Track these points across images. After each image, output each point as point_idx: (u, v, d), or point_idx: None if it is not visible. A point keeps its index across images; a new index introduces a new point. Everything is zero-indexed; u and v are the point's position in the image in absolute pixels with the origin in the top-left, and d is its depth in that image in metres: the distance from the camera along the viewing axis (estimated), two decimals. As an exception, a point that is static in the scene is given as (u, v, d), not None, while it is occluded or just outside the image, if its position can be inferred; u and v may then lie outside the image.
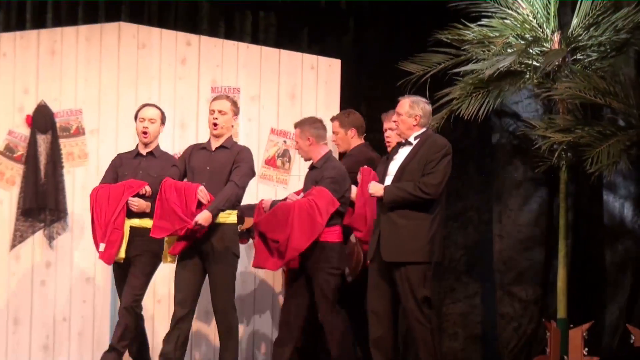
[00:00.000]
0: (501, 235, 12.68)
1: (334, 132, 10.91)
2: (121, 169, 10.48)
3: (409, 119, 10.15)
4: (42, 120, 11.27)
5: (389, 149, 10.58)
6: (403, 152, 10.22)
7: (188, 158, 10.41)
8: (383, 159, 10.51)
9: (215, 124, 10.30)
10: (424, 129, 10.18)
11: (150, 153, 10.53)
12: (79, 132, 11.36)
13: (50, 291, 11.46)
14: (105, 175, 10.50)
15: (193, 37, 12.19)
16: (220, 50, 12.16)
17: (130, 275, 10.48)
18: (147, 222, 10.26)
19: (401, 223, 10.02)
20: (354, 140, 11.14)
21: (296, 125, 10.77)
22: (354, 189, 10.60)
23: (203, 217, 9.99)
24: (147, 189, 10.22)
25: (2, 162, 11.61)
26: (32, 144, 11.54)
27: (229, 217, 10.21)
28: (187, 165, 10.35)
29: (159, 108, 10.65)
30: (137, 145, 10.58)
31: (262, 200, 10.77)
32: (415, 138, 10.14)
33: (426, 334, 10.07)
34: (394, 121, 10.30)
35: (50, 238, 11.57)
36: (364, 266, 10.67)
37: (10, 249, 11.53)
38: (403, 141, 10.25)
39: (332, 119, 11.10)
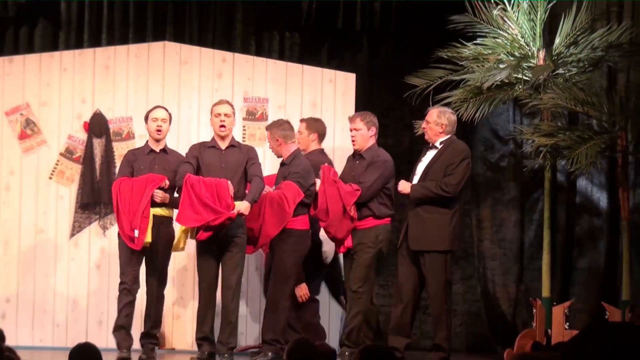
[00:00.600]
0: (482, 227, 12.77)
1: (298, 132, 10.89)
2: (136, 163, 10.41)
3: (436, 127, 10.46)
4: (98, 126, 11.29)
5: (354, 148, 10.75)
6: (429, 155, 10.52)
7: (199, 155, 10.35)
8: (349, 157, 10.93)
9: (223, 126, 10.31)
10: (448, 136, 10.49)
11: (162, 150, 10.50)
12: (130, 136, 11.38)
13: (104, 273, 11.50)
14: (122, 169, 10.45)
15: (228, 55, 12.21)
16: (252, 66, 12.15)
17: (155, 264, 10.49)
18: (166, 211, 10.33)
19: (426, 217, 10.36)
20: (314, 144, 11.12)
21: (266, 129, 10.91)
22: (318, 182, 10.59)
23: (244, 207, 10.07)
24: (167, 182, 10.22)
25: (63, 163, 11.65)
26: (89, 147, 11.55)
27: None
28: (199, 162, 10.30)
29: (167, 110, 10.66)
30: (147, 142, 10.55)
31: None
32: (440, 143, 10.45)
33: (442, 312, 10.45)
34: (423, 127, 10.58)
35: (104, 228, 11.59)
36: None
37: (70, 237, 11.56)
38: (430, 145, 10.51)
39: (301, 120, 11.09)
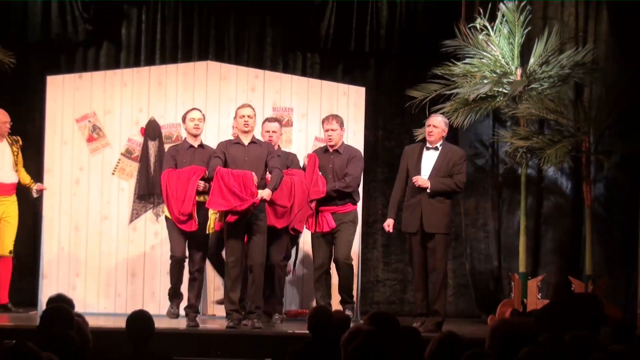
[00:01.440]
0: (468, 214, 12.80)
1: (273, 131, 10.78)
2: (178, 157, 10.41)
3: (442, 132, 10.57)
4: (152, 131, 11.29)
5: (329, 146, 10.81)
6: (431, 155, 10.59)
7: (225, 151, 10.30)
8: (318, 151, 11.00)
9: (247, 124, 10.28)
10: (444, 139, 10.61)
11: (200, 145, 10.52)
12: (178, 139, 11.29)
13: (157, 253, 11.48)
14: (167, 162, 10.43)
15: (260, 72, 12.20)
16: (279, 81, 12.13)
17: (198, 242, 10.50)
18: (204, 198, 10.24)
19: (439, 206, 10.47)
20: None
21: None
22: None
23: (267, 194, 10.04)
24: (207, 173, 10.20)
25: (124, 161, 11.67)
26: (145, 148, 11.53)
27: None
28: (226, 157, 10.24)
29: (201, 111, 10.70)
30: (186, 139, 10.58)
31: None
32: (440, 145, 10.52)
33: (442, 285, 10.60)
34: (430, 132, 10.57)
35: (157, 215, 11.54)
36: None
37: (129, 223, 11.55)
38: (431, 146, 10.57)
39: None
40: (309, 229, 10.87)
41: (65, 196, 11.84)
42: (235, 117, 10.58)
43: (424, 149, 10.63)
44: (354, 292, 11.23)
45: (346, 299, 10.80)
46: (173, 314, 10.46)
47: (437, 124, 10.57)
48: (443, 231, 10.50)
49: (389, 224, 10.78)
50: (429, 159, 10.55)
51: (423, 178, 10.37)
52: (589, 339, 6.07)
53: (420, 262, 10.65)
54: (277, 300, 10.93)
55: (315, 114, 11.49)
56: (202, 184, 10.25)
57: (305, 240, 11.45)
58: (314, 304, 11.09)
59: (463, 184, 10.64)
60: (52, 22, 12.48)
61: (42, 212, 11.75)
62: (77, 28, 12.53)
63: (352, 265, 10.83)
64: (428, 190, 10.36)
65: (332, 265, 10.90)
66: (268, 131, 10.56)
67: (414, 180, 10.40)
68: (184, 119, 10.64)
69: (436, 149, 10.55)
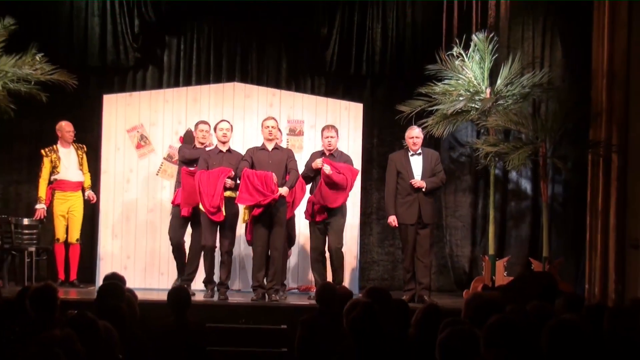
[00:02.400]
0: (447, 207, 12.78)
1: (272, 127, 10.44)
2: (210, 160, 10.35)
3: (420, 139, 10.73)
4: (189, 139, 11.21)
5: (327, 150, 10.65)
6: (417, 159, 10.71)
7: (253, 156, 10.33)
8: (315, 155, 10.79)
9: (271, 134, 10.32)
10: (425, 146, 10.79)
11: (228, 150, 10.47)
12: (210, 145, 11.27)
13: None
14: (201, 164, 10.34)
15: (277, 91, 12.19)
16: (292, 98, 12.13)
17: (226, 230, 10.46)
18: (231, 194, 10.23)
19: (431, 201, 10.73)
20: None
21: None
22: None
23: (285, 191, 10.11)
24: (233, 173, 10.20)
25: (165, 164, 11.65)
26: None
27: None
28: (253, 160, 10.26)
29: (229, 122, 10.64)
30: (217, 145, 10.52)
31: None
32: (422, 151, 10.72)
33: (430, 265, 10.96)
34: (415, 143, 10.69)
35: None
36: None
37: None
38: (415, 153, 10.68)
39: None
40: (306, 219, 10.81)
41: (118, 192, 11.84)
42: (262, 127, 10.55)
43: (409, 155, 10.68)
44: (354, 273, 11.29)
45: (339, 281, 10.66)
46: (208, 296, 10.45)
47: (419, 135, 10.73)
48: (435, 222, 10.67)
49: (393, 219, 10.72)
50: (416, 163, 10.66)
51: (418, 180, 10.49)
52: (546, 308, 6.05)
53: (413, 248, 10.71)
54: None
55: (322, 126, 11.44)
56: (229, 181, 10.22)
57: (302, 232, 11.43)
58: (311, 282, 11.17)
59: (445, 179, 10.91)
60: (107, 51, 12.48)
61: (99, 206, 11.74)
62: (128, 55, 12.53)
63: (342, 251, 10.74)
64: (424, 190, 10.46)
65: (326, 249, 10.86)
66: (267, 127, 10.43)
67: (412, 183, 10.47)
68: (215, 128, 10.59)
69: (419, 154, 10.66)
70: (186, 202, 10.57)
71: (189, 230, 10.95)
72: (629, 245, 10.71)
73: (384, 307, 6.35)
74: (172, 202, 10.83)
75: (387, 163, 10.91)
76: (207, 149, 10.79)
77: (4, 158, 12.41)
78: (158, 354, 7.14)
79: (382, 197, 12.66)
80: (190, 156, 10.64)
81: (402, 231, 10.77)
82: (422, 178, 10.55)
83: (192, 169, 10.53)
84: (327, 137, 10.65)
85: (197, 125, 10.90)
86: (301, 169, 10.73)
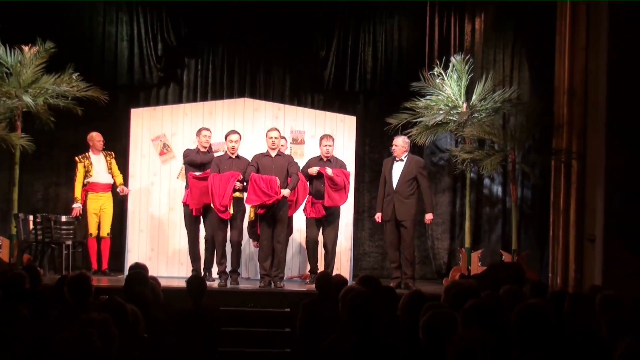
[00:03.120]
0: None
1: (276, 137, 10.37)
2: (221, 165, 10.31)
3: (402, 148, 10.61)
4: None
5: (324, 157, 10.67)
6: (398, 165, 10.64)
7: (258, 161, 10.30)
8: (313, 160, 10.82)
9: (274, 143, 10.28)
10: (408, 152, 10.64)
11: (237, 157, 10.43)
12: (222, 152, 11.33)
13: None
14: (213, 168, 10.29)
15: (281, 105, 12.15)
16: (295, 112, 12.09)
17: (235, 225, 10.42)
18: (239, 195, 10.25)
19: (406, 201, 10.61)
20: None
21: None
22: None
23: (287, 192, 10.07)
24: (241, 177, 10.16)
25: (184, 169, 11.63)
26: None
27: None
28: (259, 165, 10.24)
29: (238, 132, 10.59)
30: (226, 152, 10.48)
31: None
32: (405, 157, 10.61)
33: (413, 257, 10.78)
34: (393, 150, 10.70)
35: None
36: None
37: None
38: (398, 159, 10.60)
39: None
40: (306, 215, 10.80)
41: (144, 193, 11.82)
42: (266, 137, 10.50)
43: (394, 161, 10.67)
44: (348, 263, 11.29)
45: (330, 270, 10.63)
46: (222, 285, 10.42)
47: (396, 143, 10.71)
48: (410, 219, 10.57)
49: (378, 217, 10.80)
50: (397, 168, 10.63)
51: (430, 216, 10.75)
52: (515, 294, 6.05)
53: (392, 241, 10.71)
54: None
55: (320, 135, 11.46)
56: (238, 184, 10.21)
57: (299, 227, 11.38)
58: (307, 270, 11.16)
59: (429, 186, 10.84)
60: (134, 71, 12.50)
61: (127, 205, 11.73)
62: (152, 75, 12.55)
63: (335, 247, 10.82)
64: (432, 217, 10.86)
65: (320, 244, 10.88)
66: (271, 137, 10.38)
67: (427, 221, 10.86)
68: (225, 137, 10.56)
69: (402, 160, 10.62)
70: (195, 203, 10.56)
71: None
72: (586, 240, 10.70)
73: (375, 293, 6.35)
74: (183, 202, 10.82)
75: (382, 167, 10.98)
76: (216, 154, 10.82)
77: (45, 163, 12.42)
78: (178, 334, 7.14)
79: (372, 197, 12.80)
80: (202, 161, 10.63)
81: (383, 227, 10.87)
82: (399, 182, 10.54)
83: (198, 173, 10.54)
84: (325, 145, 10.66)
85: (200, 130, 10.84)
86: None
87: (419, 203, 10.70)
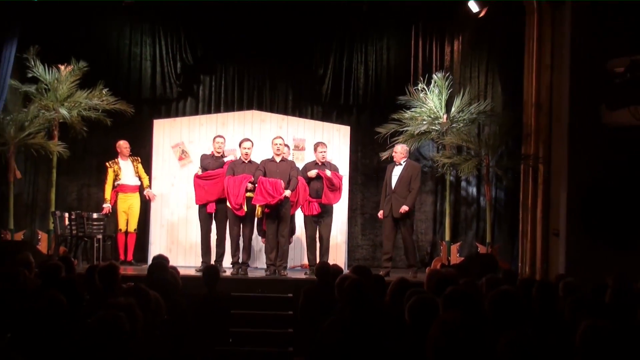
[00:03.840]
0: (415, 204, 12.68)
1: (281, 144, 10.47)
2: (236, 169, 10.34)
3: (401, 155, 10.66)
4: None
5: (319, 161, 10.62)
6: (398, 169, 10.65)
7: (265, 166, 10.32)
8: (309, 165, 10.72)
9: (278, 150, 10.33)
10: (406, 158, 10.66)
11: (249, 161, 10.43)
12: (235, 157, 11.27)
13: (222, 229, 11.34)
14: (228, 171, 10.33)
15: (285, 117, 12.16)
16: (297, 122, 12.10)
17: (249, 225, 10.45)
18: (250, 195, 10.20)
19: (402, 200, 10.55)
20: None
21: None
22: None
23: (289, 193, 10.13)
24: (252, 178, 10.17)
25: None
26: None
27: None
28: (265, 169, 10.26)
29: (251, 140, 10.62)
30: (240, 157, 10.49)
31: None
32: (404, 162, 10.63)
33: (413, 246, 10.82)
34: (393, 156, 10.78)
35: None
36: None
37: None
38: (397, 164, 10.64)
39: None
40: (303, 212, 10.78)
41: (165, 194, 11.84)
42: (271, 144, 10.53)
43: (394, 165, 10.70)
44: (343, 254, 11.27)
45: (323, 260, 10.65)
46: (234, 274, 10.43)
47: (396, 150, 10.78)
48: (406, 216, 10.60)
49: (380, 213, 10.83)
50: (396, 172, 10.67)
51: (404, 207, 10.47)
52: (490, 280, 6.06)
53: (388, 235, 10.70)
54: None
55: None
56: (250, 185, 10.22)
57: (299, 224, 11.33)
58: (306, 260, 11.13)
59: (418, 188, 10.75)
60: (156, 86, 12.50)
61: (151, 204, 11.72)
62: (172, 90, 12.55)
63: (329, 240, 10.79)
64: (407, 209, 10.49)
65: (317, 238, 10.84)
66: (276, 144, 10.43)
67: (401, 211, 10.49)
68: (239, 144, 10.58)
69: (401, 165, 10.65)
70: (198, 199, 10.60)
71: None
72: (551, 234, 10.71)
73: (366, 281, 6.36)
74: (196, 202, 10.82)
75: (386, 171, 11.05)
76: (225, 159, 10.80)
77: (79, 167, 12.42)
78: (195, 316, 7.14)
79: (364, 197, 12.84)
80: (213, 167, 10.62)
81: (383, 222, 10.84)
82: (397, 184, 10.54)
83: (200, 173, 10.63)
84: (321, 151, 10.66)
85: (215, 138, 10.85)
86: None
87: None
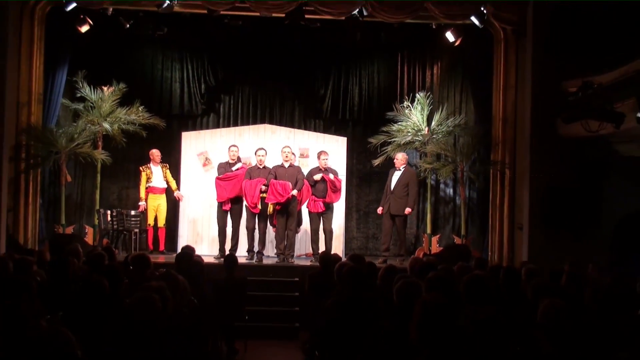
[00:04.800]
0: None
1: (289, 152, 10.57)
2: (252, 173, 10.39)
3: (401, 162, 10.72)
4: (237, 160, 11.26)
5: (322, 167, 10.60)
6: (397, 174, 10.70)
7: (276, 171, 10.33)
8: (314, 170, 10.65)
9: (287, 157, 10.37)
10: (405, 165, 10.69)
11: (263, 167, 10.45)
12: (250, 164, 11.27)
13: (242, 224, 11.17)
14: (246, 175, 10.38)
15: (292, 129, 12.13)
16: (302, 134, 12.10)
17: (263, 220, 10.45)
18: (264, 195, 10.24)
19: (399, 200, 10.61)
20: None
21: (325, 153, 10.80)
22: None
23: (295, 192, 10.17)
24: (266, 181, 10.21)
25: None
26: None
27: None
28: (276, 173, 10.27)
29: (265, 149, 10.62)
30: (256, 163, 10.53)
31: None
32: (403, 168, 10.68)
33: (404, 239, 10.87)
34: (394, 163, 10.78)
35: None
36: None
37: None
38: (397, 169, 10.69)
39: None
40: (309, 209, 10.78)
41: (192, 194, 11.81)
42: (281, 152, 10.56)
43: (395, 170, 10.79)
44: (341, 245, 11.25)
45: (329, 249, 10.64)
46: (249, 260, 10.45)
47: (397, 157, 10.86)
48: (402, 214, 10.64)
49: (380, 210, 10.90)
50: (396, 176, 10.75)
51: (408, 209, 10.62)
52: (465, 267, 6.06)
53: (386, 229, 10.75)
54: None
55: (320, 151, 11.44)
56: (263, 187, 10.25)
57: (305, 219, 11.33)
58: (310, 250, 11.05)
59: (416, 191, 10.90)
60: (184, 104, 12.47)
61: (179, 203, 11.71)
62: (197, 107, 12.53)
63: (332, 232, 10.78)
64: (410, 210, 10.69)
65: (320, 232, 10.81)
66: (284, 152, 10.49)
67: (406, 212, 10.63)
68: (255, 152, 10.62)
69: (400, 170, 10.72)
70: (219, 197, 10.57)
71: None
72: (516, 228, 10.71)
73: (361, 267, 6.36)
74: (217, 200, 10.78)
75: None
76: (238, 164, 10.74)
77: (119, 172, 12.39)
78: (217, 297, 7.14)
79: (359, 197, 12.83)
80: (227, 175, 10.58)
81: (383, 218, 10.89)
82: (395, 187, 10.64)
83: (220, 177, 10.56)
84: (324, 159, 10.69)
85: (230, 147, 10.81)
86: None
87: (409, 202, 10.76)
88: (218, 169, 10.75)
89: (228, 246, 10.63)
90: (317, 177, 10.53)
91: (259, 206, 10.29)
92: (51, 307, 4.77)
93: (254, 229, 10.51)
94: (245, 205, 10.51)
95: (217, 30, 11.61)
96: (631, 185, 10.08)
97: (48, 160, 10.85)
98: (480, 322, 2.82)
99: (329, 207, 10.66)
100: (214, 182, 10.78)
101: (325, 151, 10.85)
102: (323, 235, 10.68)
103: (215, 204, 10.95)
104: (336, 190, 10.63)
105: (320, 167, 10.70)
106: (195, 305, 5.59)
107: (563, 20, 10.10)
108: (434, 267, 5.83)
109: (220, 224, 10.73)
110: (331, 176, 10.52)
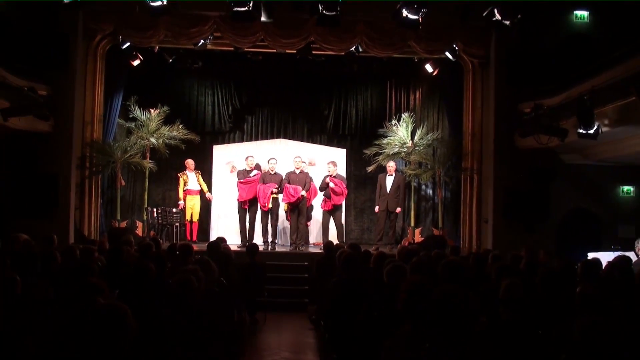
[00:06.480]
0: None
1: (300, 162, 10.50)
2: (265, 178, 10.37)
3: (393, 168, 10.64)
4: (255, 167, 11.23)
5: (334, 174, 10.52)
6: (390, 178, 10.58)
7: (289, 177, 10.32)
8: (326, 177, 10.52)
9: (298, 165, 10.33)
10: (396, 171, 10.65)
11: (274, 173, 10.42)
12: (266, 170, 11.31)
13: (257, 221, 11.21)
14: (260, 179, 10.37)
15: (302, 143, 12.13)
16: (310, 147, 12.06)
17: (273, 216, 10.40)
18: (274, 196, 10.25)
19: (394, 199, 10.56)
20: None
21: (334, 164, 10.73)
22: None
23: (304, 193, 10.16)
24: (276, 185, 10.21)
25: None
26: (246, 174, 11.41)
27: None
28: (289, 178, 10.26)
29: (276, 158, 10.59)
30: (268, 170, 10.48)
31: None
32: (394, 174, 10.57)
33: (394, 232, 10.80)
34: (389, 170, 10.61)
35: None
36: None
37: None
38: (389, 174, 10.57)
39: (298, 157, 10.71)
40: (322, 208, 10.74)
41: (222, 194, 11.78)
42: (293, 161, 10.56)
43: (387, 175, 10.70)
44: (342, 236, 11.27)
45: (341, 241, 10.64)
46: (266, 248, 10.42)
47: (390, 165, 10.75)
48: (396, 211, 10.61)
49: (377, 209, 10.81)
50: (389, 180, 10.67)
51: (399, 209, 10.57)
52: (441, 254, 6.06)
53: (382, 224, 10.66)
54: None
55: (324, 161, 11.42)
56: (274, 190, 10.27)
57: (316, 216, 11.27)
58: (322, 239, 10.99)
59: (404, 193, 10.86)
60: (215, 122, 12.52)
61: (211, 203, 11.69)
62: (226, 125, 12.56)
63: (343, 226, 10.78)
64: (400, 209, 10.62)
65: (332, 224, 10.78)
66: (296, 161, 10.49)
67: (397, 211, 10.54)
68: (267, 161, 10.61)
69: (392, 175, 10.64)
70: (240, 197, 10.56)
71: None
72: (482, 221, 10.70)
73: (358, 254, 6.37)
74: (238, 199, 10.78)
75: (378, 179, 10.93)
76: (255, 170, 10.68)
77: (163, 177, 12.38)
78: (241, 278, 7.15)
79: (356, 197, 12.78)
80: (244, 182, 10.56)
81: (379, 214, 10.80)
82: (389, 191, 10.55)
83: (242, 181, 10.51)
84: (333, 168, 10.65)
85: (247, 157, 10.86)
86: (317, 182, 10.73)
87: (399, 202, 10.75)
88: (238, 175, 10.75)
89: (247, 237, 10.63)
90: (324, 183, 10.58)
91: (268, 205, 10.32)
92: (109, 286, 4.80)
93: (267, 223, 10.53)
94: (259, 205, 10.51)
95: (242, 63, 11.70)
96: (573, 187, 10.23)
97: (107, 168, 10.89)
98: (451, 296, 2.84)
99: (336, 207, 10.67)
100: (236, 185, 10.79)
101: (334, 161, 10.86)
102: (335, 229, 10.72)
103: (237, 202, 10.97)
104: (337, 193, 10.60)
105: (330, 174, 10.74)
106: (224, 284, 5.61)
107: (519, 55, 10.24)
108: (417, 253, 5.83)
109: (240, 219, 10.74)
110: (331, 184, 10.47)
